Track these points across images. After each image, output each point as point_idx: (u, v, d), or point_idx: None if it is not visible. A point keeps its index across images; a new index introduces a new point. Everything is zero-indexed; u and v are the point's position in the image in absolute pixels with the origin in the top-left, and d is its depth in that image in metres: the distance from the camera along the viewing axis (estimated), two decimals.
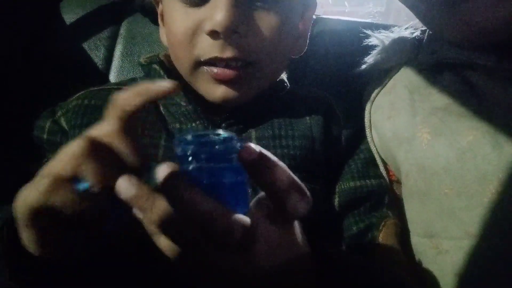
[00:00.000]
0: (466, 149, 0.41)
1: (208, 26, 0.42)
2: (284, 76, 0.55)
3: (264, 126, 0.49)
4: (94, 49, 0.79)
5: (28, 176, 0.29)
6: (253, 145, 0.26)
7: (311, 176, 0.47)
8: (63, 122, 0.49)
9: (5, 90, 0.68)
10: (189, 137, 0.26)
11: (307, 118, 0.51)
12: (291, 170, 0.46)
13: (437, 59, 0.49)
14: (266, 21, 0.44)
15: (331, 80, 0.67)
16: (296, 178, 0.28)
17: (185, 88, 0.49)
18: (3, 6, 0.76)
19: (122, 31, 0.80)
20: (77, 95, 0.52)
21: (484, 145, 0.40)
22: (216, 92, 0.46)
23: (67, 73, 0.74)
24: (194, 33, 0.44)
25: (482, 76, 0.45)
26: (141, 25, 0.80)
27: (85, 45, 0.79)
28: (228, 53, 0.43)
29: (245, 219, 0.26)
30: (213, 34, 0.42)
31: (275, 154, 0.47)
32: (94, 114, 0.48)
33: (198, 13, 0.43)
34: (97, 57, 0.78)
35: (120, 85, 0.55)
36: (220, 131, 0.27)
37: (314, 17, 0.80)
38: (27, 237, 0.28)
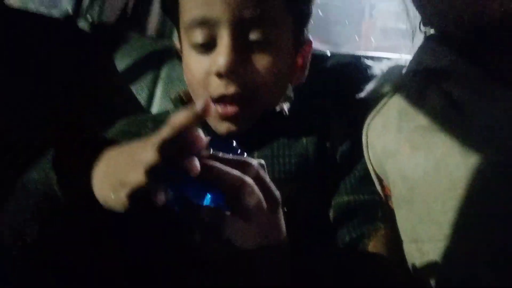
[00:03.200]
0: (440, 159, 0.46)
1: (214, 69, 0.53)
2: (285, 106, 0.64)
3: (265, 148, 0.58)
4: (139, 90, 0.93)
5: None
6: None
7: (306, 189, 0.54)
8: None
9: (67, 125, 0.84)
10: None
11: (304, 139, 0.58)
12: (287, 183, 0.53)
13: (423, 66, 0.55)
14: (262, 61, 0.54)
15: (336, 106, 0.74)
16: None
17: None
18: (71, 59, 0.94)
19: (162, 74, 0.94)
20: (119, 121, 0.64)
21: (455, 154, 0.45)
22: (222, 127, 0.57)
23: (116, 111, 0.89)
24: (205, 76, 0.55)
25: (463, 91, 0.50)
26: (178, 68, 0.93)
27: (132, 87, 0.93)
28: (231, 90, 0.54)
29: None
30: (218, 75, 0.53)
31: (272, 170, 0.55)
32: (129, 138, 0.59)
33: (207, 60, 0.55)
34: (141, 97, 0.93)
35: (156, 116, 0.67)
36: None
37: (328, 53, 0.89)
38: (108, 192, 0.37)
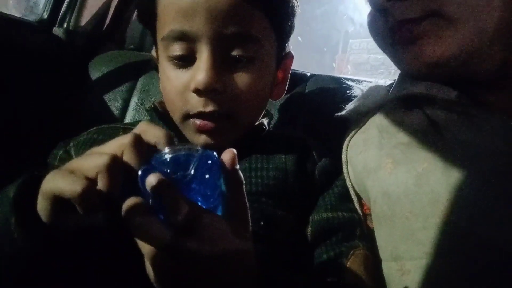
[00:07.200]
0: (422, 174, 0.45)
1: (192, 85, 0.50)
2: (265, 120, 0.62)
3: (243, 161, 0.55)
4: (113, 100, 0.90)
5: None
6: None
7: (284, 203, 0.52)
8: (73, 152, 0.57)
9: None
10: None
11: (283, 154, 0.57)
12: (265, 196, 0.51)
13: (405, 93, 0.55)
14: (243, 78, 0.52)
15: (318, 125, 0.74)
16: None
17: (178, 131, 0.57)
18: (43, 65, 0.90)
19: (139, 85, 0.91)
20: (88, 130, 0.60)
21: (436, 170, 0.44)
22: (199, 140, 0.54)
23: (87, 119, 0.85)
24: (183, 91, 0.52)
25: (442, 112, 0.50)
26: (155, 80, 0.90)
27: (106, 97, 0.90)
28: (210, 108, 0.51)
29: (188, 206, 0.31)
30: (197, 91, 0.50)
31: (250, 182, 0.52)
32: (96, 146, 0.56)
33: (185, 75, 0.52)
34: (115, 107, 0.89)
35: (127, 125, 0.64)
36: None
37: (308, 74, 0.90)
38: (42, 206, 0.34)
